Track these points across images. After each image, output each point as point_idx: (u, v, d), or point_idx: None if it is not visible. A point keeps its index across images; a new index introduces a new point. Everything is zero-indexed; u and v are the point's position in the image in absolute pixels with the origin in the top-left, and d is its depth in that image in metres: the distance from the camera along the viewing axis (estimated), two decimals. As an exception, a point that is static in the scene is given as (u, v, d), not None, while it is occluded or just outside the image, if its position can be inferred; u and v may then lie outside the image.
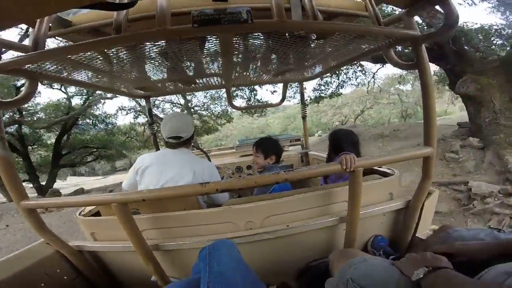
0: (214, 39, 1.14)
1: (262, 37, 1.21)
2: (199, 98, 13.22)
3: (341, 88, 10.48)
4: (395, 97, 23.95)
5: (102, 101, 11.49)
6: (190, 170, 1.37)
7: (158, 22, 0.85)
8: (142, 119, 13.42)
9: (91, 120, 11.61)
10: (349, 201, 1.09)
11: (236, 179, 1.01)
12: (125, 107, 12.44)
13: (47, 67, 1.04)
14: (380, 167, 1.55)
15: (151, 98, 2.67)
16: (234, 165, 2.56)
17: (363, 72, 10.34)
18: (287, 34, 1.15)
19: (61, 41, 1.18)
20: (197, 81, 1.93)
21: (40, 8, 0.77)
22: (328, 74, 9.05)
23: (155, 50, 1.10)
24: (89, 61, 1.10)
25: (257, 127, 30.59)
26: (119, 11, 0.92)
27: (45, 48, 0.93)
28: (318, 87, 10.33)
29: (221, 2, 0.91)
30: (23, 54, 0.91)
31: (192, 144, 1.63)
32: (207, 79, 1.92)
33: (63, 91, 10.40)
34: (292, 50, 1.35)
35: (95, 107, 11.58)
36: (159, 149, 2.48)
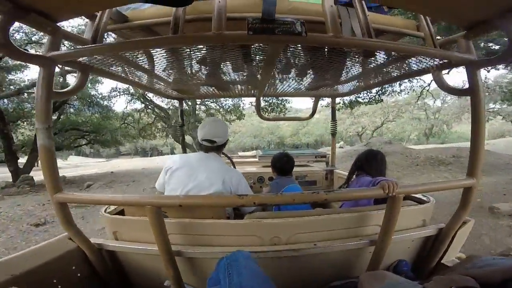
0: (259, 48, 1.22)
1: (302, 50, 1.29)
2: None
3: (383, 94, 10.10)
4: (421, 112, 23.80)
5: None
6: (220, 178, 1.46)
7: (215, 26, 0.93)
8: (138, 104, 13.08)
9: (84, 100, 11.19)
10: (383, 225, 1.17)
11: (274, 195, 1.10)
12: (119, 88, 12.07)
13: (99, 61, 1.15)
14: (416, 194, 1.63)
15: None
16: (256, 175, 2.69)
17: (410, 79, 9.96)
18: (325, 49, 1.23)
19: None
20: (231, 87, 2.06)
21: (102, 1, 0.88)
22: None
23: (203, 52, 1.20)
24: (137, 59, 1.21)
25: (266, 127, 30.91)
26: (177, 9, 1.02)
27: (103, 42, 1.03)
28: (356, 90, 10.07)
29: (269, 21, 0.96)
30: (80, 46, 1.01)
31: None
32: (241, 86, 2.04)
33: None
34: (331, 65, 1.44)
35: (90, 86, 11.28)
36: (186, 151, 2.73)
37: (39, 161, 1.09)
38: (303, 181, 2.71)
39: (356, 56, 1.33)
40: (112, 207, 1.51)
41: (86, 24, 1.18)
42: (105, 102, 11.94)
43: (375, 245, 1.23)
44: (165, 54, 1.20)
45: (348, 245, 1.28)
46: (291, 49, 1.26)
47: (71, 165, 20.30)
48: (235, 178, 1.53)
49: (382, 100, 10.75)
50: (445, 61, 1.23)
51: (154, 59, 1.24)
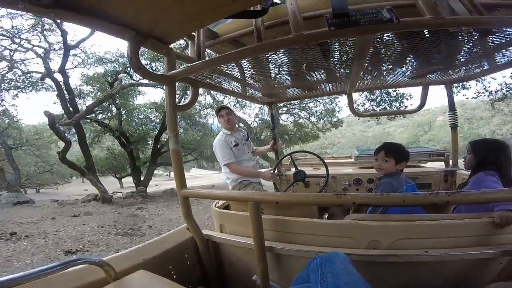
0: (343, 43, 1.30)
1: (396, 37, 1.29)
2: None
3: None
4: None
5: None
6: None
7: (294, 27, 1.06)
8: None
9: (185, 121, 13.07)
10: None
11: (379, 195, 1.09)
12: (205, 104, 13.50)
13: (203, 75, 1.52)
14: None
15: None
16: (351, 177, 2.74)
17: None
18: (426, 32, 1.20)
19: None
20: (318, 86, 2.23)
21: (198, 22, 1.20)
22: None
23: (287, 55, 1.39)
24: (229, 70, 1.53)
25: (372, 136, 28.98)
26: (256, 20, 1.24)
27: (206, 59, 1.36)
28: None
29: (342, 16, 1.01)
30: (188, 63, 1.38)
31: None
32: (329, 84, 2.17)
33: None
34: (436, 49, 1.39)
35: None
36: (278, 155, 3.16)
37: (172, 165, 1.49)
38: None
39: (468, 36, 1.26)
40: (221, 203, 1.88)
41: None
42: (202, 120, 13.78)
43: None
44: (251, 62, 1.46)
45: (473, 254, 1.20)
46: (381, 38, 1.29)
47: (193, 176, 27.60)
48: None
49: None
50: None
51: (244, 68, 1.53)
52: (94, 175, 9.62)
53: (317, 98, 12.62)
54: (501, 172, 1.53)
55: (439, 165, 2.82)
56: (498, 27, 1.08)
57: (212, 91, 11.74)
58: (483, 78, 8.79)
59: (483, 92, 9.24)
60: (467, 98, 9.53)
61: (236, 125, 2.80)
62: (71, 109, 10.13)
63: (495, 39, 1.25)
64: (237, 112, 13.54)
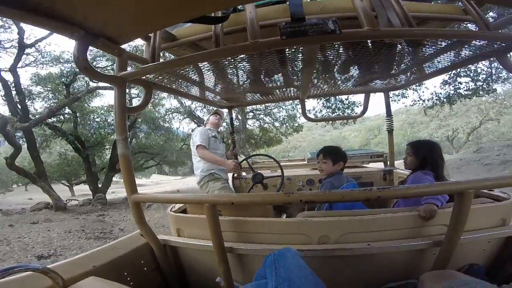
0: (296, 51, 1.37)
1: (342, 47, 1.39)
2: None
3: (494, 82, 8.46)
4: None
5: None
6: None
7: (250, 35, 1.11)
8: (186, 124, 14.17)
9: (148, 125, 12.60)
10: (451, 225, 1.16)
11: (321, 192, 1.19)
12: (170, 108, 13.58)
13: (158, 77, 1.47)
14: (492, 191, 1.57)
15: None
16: (305, 178, 2.87)
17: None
18: (369, 42, 1.30)
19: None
20: (274, 92, 2.31)
21: (154, 23, 1.17)
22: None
23: (244, 61, 1.43)
24: (188, 73, 1.51)
25: (330, 139, 30.32)
26: (216, 25, 1.25)
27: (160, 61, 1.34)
28: (453, 79, 8.62)
29: (299, 20, 1.09)
30: (143, 65, 1.34)
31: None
32: (284, 90, 2.26)
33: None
34: (375, 58, 1.50)
35: (153, 109, 12.64)
36: (237, 159, 3.20)
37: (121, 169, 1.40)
38: (358, 183, 2.74)
39: (403, 47, 1.39)
40: (177, 207, 1.82)
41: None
42: (166, 124, 13.43)
43: (441, 246, 1.23)
44: (210, 66, 1.46)
45: (408, 245, 1.30)
46: (329, 47, 1.38)
47: (154, 182, 26.87)
48: None
49: (495, 90, 9.32)
50: (509, 43, 1.22)
51: (203, 72, 1.52)
52: (46, 182, 8.81)
53: (279, 104, 13.12)
54: (436, 171, 1.67)
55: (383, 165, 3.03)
56: (426, 39, 1.20)
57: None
58: (418, 88, 10.06)
59: (418, 100, 10.51)
60: (405, 106, 10.74)
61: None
62: (19, 111, 9.18)
63: (425, 50, 1.37)
64: (206, 116, 13.62)
